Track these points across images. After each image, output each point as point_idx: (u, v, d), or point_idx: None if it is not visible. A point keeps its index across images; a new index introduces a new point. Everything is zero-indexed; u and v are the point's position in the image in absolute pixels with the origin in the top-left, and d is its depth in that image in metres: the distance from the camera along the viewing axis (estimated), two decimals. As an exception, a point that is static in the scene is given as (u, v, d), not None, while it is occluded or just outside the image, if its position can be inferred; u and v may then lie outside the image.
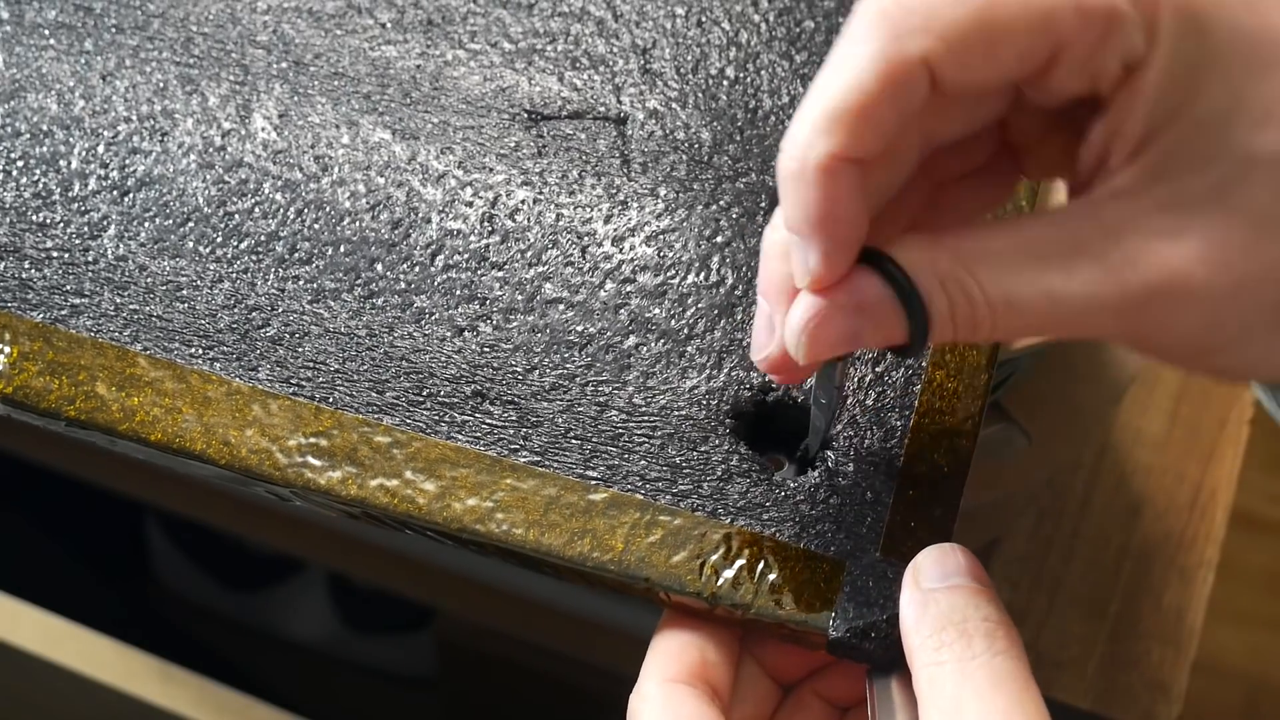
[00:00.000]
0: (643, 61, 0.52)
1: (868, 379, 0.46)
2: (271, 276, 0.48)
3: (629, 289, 0.48)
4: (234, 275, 0.48)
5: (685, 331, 0.47)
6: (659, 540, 0.43)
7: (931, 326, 0.37)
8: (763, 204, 0.49)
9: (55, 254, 0.49)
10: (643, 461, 0.44)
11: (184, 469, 0.46)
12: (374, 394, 0.46)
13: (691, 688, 0.41)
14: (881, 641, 0.41)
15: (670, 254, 0.48)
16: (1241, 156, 0.36)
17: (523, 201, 0.49)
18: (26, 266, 0.48)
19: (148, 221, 0.49)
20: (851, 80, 0.36)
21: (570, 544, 0.43)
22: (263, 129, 0.51)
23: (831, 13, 0.53)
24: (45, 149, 0.51)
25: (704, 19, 0.53)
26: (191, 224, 0.49)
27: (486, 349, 0.47)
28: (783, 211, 0.38)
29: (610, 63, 0.52)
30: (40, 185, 0.50)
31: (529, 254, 0.48)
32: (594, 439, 0.45)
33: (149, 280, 0.48)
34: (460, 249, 0.48)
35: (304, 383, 0.46)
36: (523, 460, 0.44)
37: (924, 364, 0.46)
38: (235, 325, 0.47)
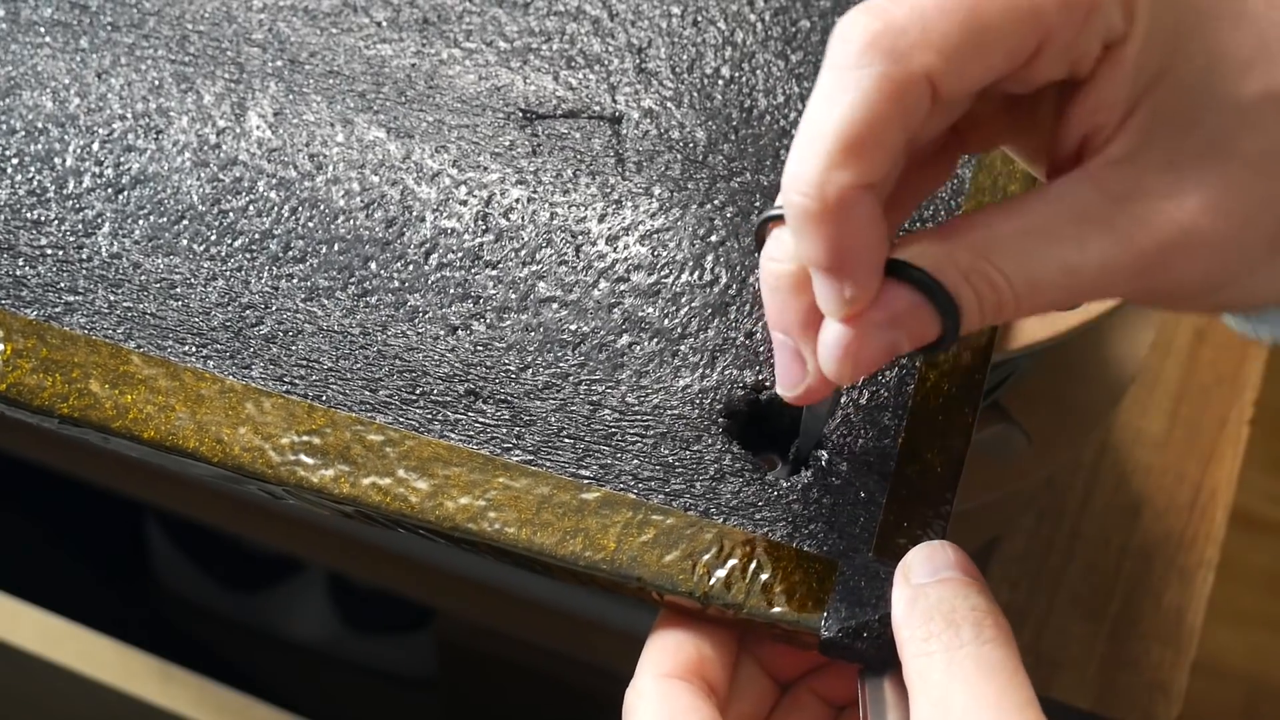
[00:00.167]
0: (638, 61, 0.52)
1: (861, 378, 0.45)
2: (265, 274, 0.48)
3: (623, 288, 0.48)
4: (228, 273, 0.48)
5: (679, 330, 0.47)
6: (651, 540, 0.43)
7: (962, 320, 0.38)
8: (757, 203, 0.49)
9: (49, 251, 0.49)
10: (635, 461, 0.44)
11: (178, 467, 0.46)
12: (367, 392, 0.46)
13: (687, 684, 0.41)
14: (874, 641, 0.41)
15: (664, 253, 0.48)
16: (1228, 108, 0.37)
17: (517, 200, 0.49)
18: (20, 263, 0.48)
19: (142, 219, 0.49)
20: (859, 107, 0.35)
21: (562, 543, 0.43)
22: (257, 127, 0.51)
23: (827, 12, 0.53)
24: (40, 146, 0.51)
25: (700, 18, 0.53)
26: (186, 222, 0.49)
27: (480, 348, 0.46)
28: (800, 251, 0.37)
29: (605, 62, 0.52)
30: (35, 182, 0.50)
31: (523, 253, 0.48)
32: (587, 438, 0.45)
33: (143, 278, 0.48)
34: (454, 247, 0.48)
35: (297, 381, 0.46)
36: (515, 459, 0.44)
37: (917, 363, 0.46)
38: (229, 323, 0.47)
